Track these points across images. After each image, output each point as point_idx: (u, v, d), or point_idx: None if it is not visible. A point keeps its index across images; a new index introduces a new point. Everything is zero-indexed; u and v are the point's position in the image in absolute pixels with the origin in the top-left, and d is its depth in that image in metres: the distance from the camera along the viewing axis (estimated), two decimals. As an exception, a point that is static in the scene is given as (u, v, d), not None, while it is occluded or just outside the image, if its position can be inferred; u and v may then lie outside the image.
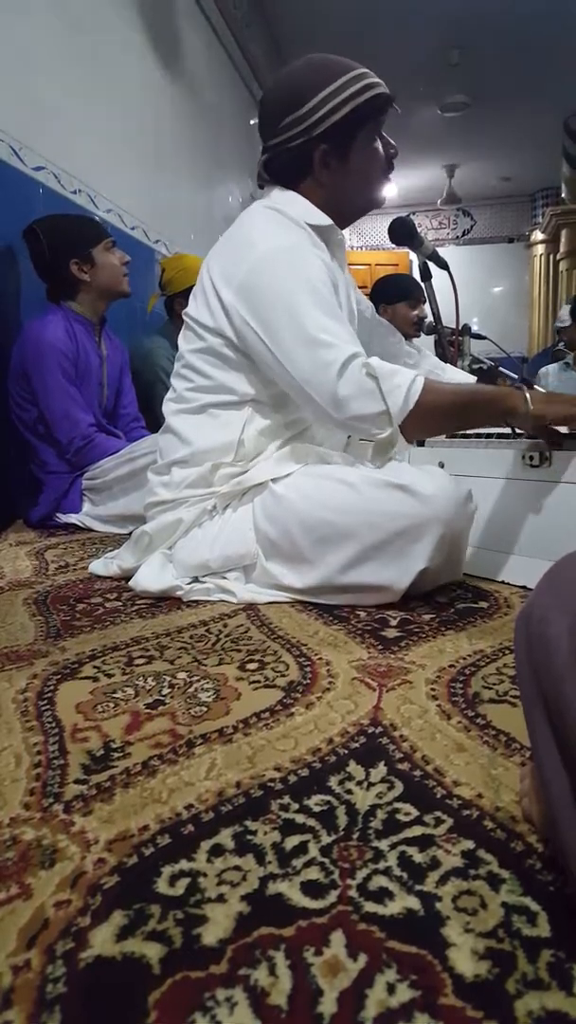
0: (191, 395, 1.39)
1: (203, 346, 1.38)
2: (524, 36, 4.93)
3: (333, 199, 1.42)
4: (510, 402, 1.23)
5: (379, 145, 1.42)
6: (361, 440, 1.41)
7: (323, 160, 1.38)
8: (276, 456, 1.36)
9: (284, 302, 1.26)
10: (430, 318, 2.33)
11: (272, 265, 1.29)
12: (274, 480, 1.31)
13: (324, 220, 1.40)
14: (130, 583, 1.36)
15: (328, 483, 1.26)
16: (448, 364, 1.80)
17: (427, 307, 3.12)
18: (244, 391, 1.36)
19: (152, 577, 1.33)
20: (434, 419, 1.27)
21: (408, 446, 1.28)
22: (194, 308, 1.41)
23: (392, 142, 1.44)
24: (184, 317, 1.44)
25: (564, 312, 4.65)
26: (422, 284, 1.99)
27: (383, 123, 1.42)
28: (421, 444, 1.54)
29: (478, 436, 1.48)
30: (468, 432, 1.54)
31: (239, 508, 1.34)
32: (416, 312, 3.13)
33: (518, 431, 1.34)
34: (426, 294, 1.85)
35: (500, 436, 1.43)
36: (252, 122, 4.91)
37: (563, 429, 1.28)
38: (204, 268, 1.41)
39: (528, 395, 1.23)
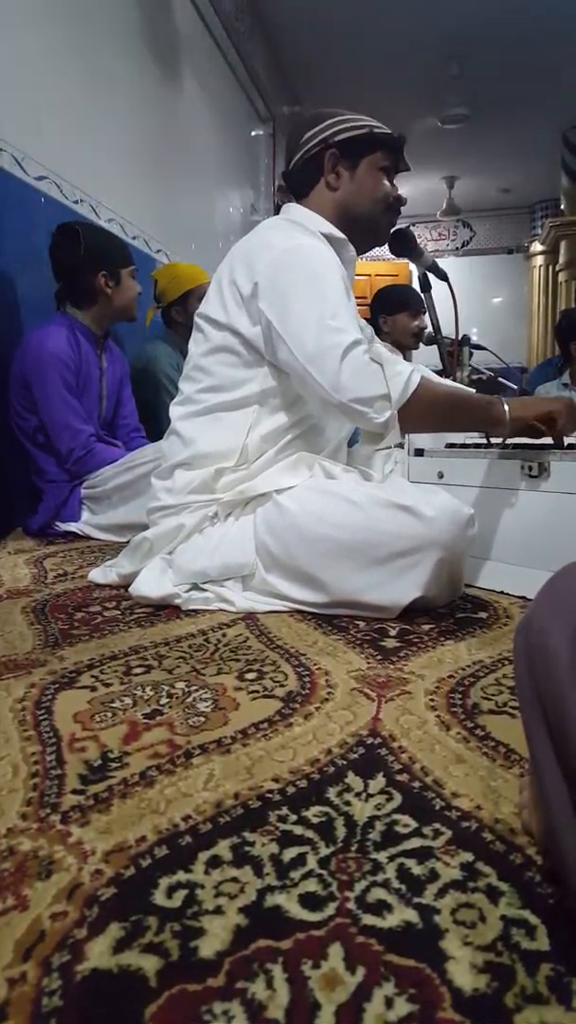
0: (200, 396, 1.41)
1: (214, 345, 1.39)
2: (524, 48, 4.96)
3: (340, 204, 1.46)
4: (494, 411, 1.32)
5: (385, 180, 1.47)
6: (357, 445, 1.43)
7: (332, 163, 1.44)
8: (280, 466, 1.37)
9: (298, 289, 1.30)
10: (430, 328, 2.34)
11: (290, 258, 1.34)
12: (278, 491, 1.31)
13: (337, 233, 1.45)
14: (129, 589, 1.36)
15: (331, 499, 1.27)
16: (447, 380, 1.81)
17: (427, 318, 3.13)
18: (253, 389, 1.37)
19: (151, 583, 1.33)
20: (426, 412, 1.30)
21: (398, 436, 1.31)
22: (206, 307, 1.43)
23: (400, 192, 1.50)
24: (196, 319, 1.46)
25: None
26: (422, 295, 1.99)
27: (393, 167, 1.48)
28: (420, 454, 1.54)
29: (477, 446, 1.48)
30: (468, 442, 1.54)
31: (241, 517, 1.34)
32: (416, 322, 3.13)
33: (493, 440, 1.41)
34: (426, 305, 1.85)
35: (499, 446, 1.43)
36: (253, 133, 4.94)
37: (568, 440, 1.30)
38: (221, 269, 1.44)
39: (506, 405, 1.31)
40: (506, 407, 1.31)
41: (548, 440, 1.36)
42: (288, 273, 1.32)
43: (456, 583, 1.29)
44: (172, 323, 2.90)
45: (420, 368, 1.90)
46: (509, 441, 1.38)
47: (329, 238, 1.42)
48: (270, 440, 1.38)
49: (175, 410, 1.45)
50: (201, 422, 1.40)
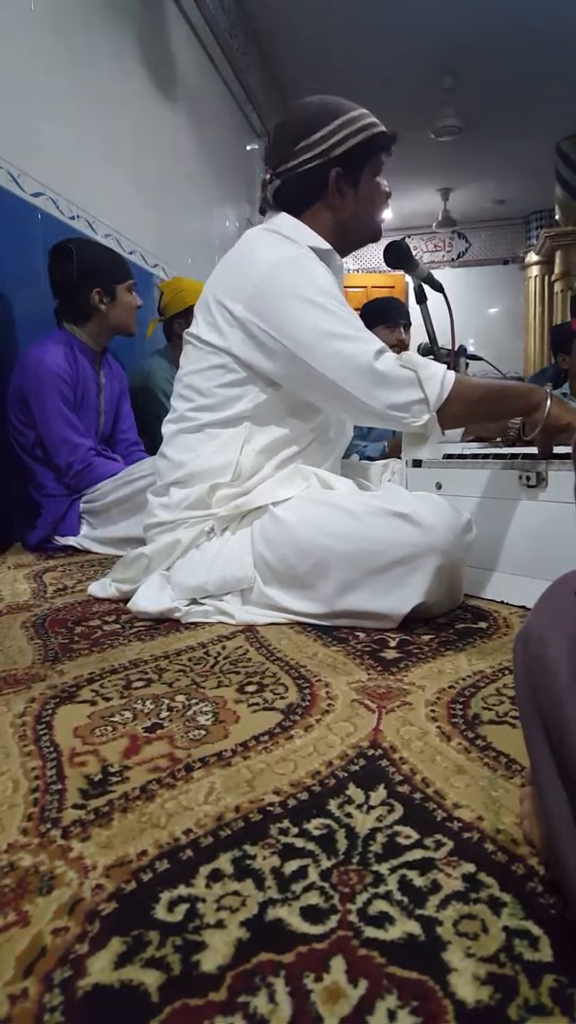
0: (192, 415, 1.40)
1: (204, 364, 1.39)
2: (517, 61, 5.00)
3: (341, 223, 1.44)
4: (535, 398, 1.30)
5: (381, 181, 1.46)
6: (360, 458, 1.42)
7: (337, 183, 1.41)
8: (276, 479, 1.36)
9: (299, 306, 1.29)
10: (427, 340, 2.34)
11: (280, 274, 1.32)
12: (274, 504, 1.31)
13: (323, 244, 1.42)
14: (128, 605, 1.36)
15: (328, 509, 1.27)
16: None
17: (403, 331, 3.09)
18: (245, 406, 1.37)
19: (150, 599, 1.33)
20: (466, 408, 1.31)
21: (441, 436, 1.33)
22: (196, 328, 1.42)
23: (387, 186, 1.48)
24: (185, 337, 1.45)
25: None
26: (406, 308, 1.99)
27: (383, 164, 1.45)
28: (418, 465, 1.54)
29: (475, 456, 1.49)
30: (465, 452, 1.55)
31: (238, 531, 1.34)
32: (395, 335, 3.05)
33: (522, 437, 1.39)
34: (423, 316, 1.85)
35: (497, 456, 1.44)
36: (248, 148, 4.97)
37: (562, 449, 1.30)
38: (207, 290, 1.42)
39: (550, 399, 1.28)
40: (549, 400, 1.28)
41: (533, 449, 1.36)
42: (283, 293, 1.30)
43: (455, 590, 1.29)
44: (173, 336, 2.91)
45: None
46: (513, 450, 1.38)
47: (315, 250, 1.40)
48: (265, 453, 1.38)
49: (167, 427, 1.45)
50: (194, 439, 1.39)
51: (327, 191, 1.42)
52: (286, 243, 1.38)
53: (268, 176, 1.45)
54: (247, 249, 1.40)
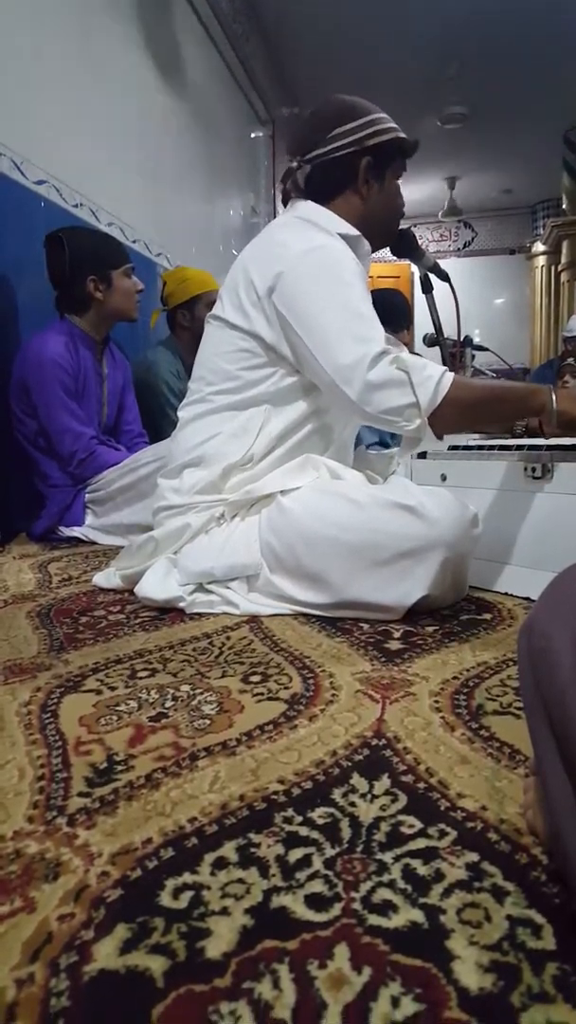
0: (212, 397, 1.41)
1: (233, 348, 1.39)
2: (523, 48, 4.95)
3: (366, 214, 1.45)
4: (539, 399, 1.27)
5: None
6: (370, 449, 1.41)
7: (366, 173, 1.43)
8: (286, 468, 1.37)
9: (319, 298, 1.30)
10: (432, 331, 2.33)
11: (307, 262, 1.32)
12: (283, 493, 1.31)
13: (352, 231, 1.43)
14: (135, 590, 1.37)
15: (335, 499, 1.27)
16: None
17: (405, 334, 3.07)
18: (267, 388, 1.37)
19: (156, 585, 1.33)
20: (463, 413, 1.29)
21: (435, 441, 1.32)
22: (221, 310, 1.43)
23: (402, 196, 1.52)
24: (208, 319, 1.46)
25: (573, 321, 4.62)
26: (409, 308, 1.97)
27: (402, 172, 1.50)
28: (423, 456, 1.54)
29: (480, 448, 1.48)
30: (471, 444, 1.54)
31: (247, 518, 1.35)
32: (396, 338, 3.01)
33: (535, 430, 1.37)
34: (428, 305, 1.84)
35: (502, 448, 1.43)
36: (252, 135, 4.95)
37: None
38: (235, 271, 1.43)
39: (554, 394, 1.26)
40: (553, 396, 1.25)
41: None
42: (307, 279, 1.31)
43: (460, 583, 1.29)
44: (176, 327, 2.89)
45: None
46: (549, 441, 1.35)
47: (344, 236, 1.40)
48: (280, 438, 1.38)
49: (185, 411, 1.45)
50: (211, 421, 1.40)
51: (358, 179, 1.43)
52: (316, 230, 1.39)
53: (296, 163, 1.46)
54: (277, 235, 1.42)
